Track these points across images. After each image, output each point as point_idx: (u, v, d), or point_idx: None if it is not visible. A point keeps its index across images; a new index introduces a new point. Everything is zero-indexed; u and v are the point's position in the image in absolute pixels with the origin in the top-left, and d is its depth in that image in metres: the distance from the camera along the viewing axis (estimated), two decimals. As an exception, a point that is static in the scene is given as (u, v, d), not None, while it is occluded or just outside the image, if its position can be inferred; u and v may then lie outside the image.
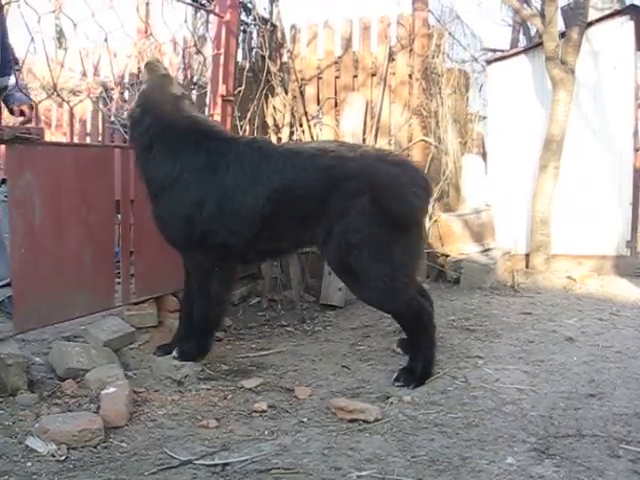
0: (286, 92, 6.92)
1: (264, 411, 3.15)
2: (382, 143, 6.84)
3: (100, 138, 7.55)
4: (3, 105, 4.14)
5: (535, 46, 7.04)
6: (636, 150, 6.84)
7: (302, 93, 7.11)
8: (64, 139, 7.87)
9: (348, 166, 3.54)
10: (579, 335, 4.35)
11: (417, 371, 3.49)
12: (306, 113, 7.00)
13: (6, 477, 2.44)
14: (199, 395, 3.37)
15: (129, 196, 4.25)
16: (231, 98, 5.20)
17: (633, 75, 6.65)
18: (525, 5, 7.34)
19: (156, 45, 5.86)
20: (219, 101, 5.03)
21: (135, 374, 3.62)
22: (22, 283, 3.47)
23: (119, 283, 4.23)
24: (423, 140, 6.81)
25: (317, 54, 7.24)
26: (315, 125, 7.07)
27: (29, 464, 2.56)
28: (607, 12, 6.83)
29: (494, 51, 7.87)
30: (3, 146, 3.42)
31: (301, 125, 6.92)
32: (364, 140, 6.81)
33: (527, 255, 6.77)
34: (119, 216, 4.28)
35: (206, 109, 5.28)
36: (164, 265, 4.29)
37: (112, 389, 3.12)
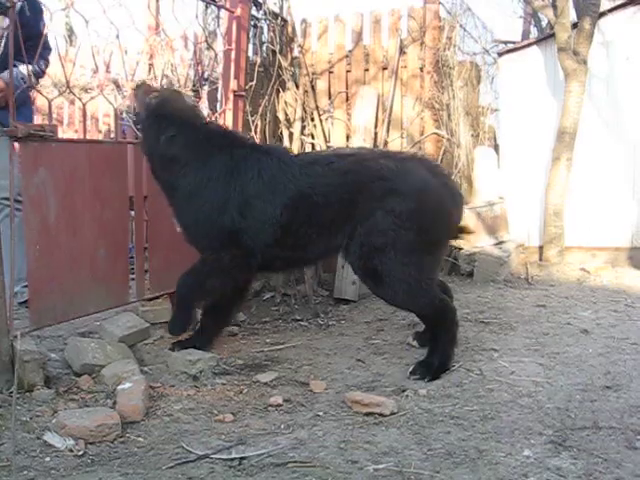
0: (297, 86, 6.93)
1: (280, 405, 3.15)
2: (394, 137, 6.84)
3: (112, 135, 7.57)
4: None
5: (547, 37, 6.99)
6: (649, 141, 6.78)
7: (313, 87, 7.12)
8: (76, 137, 7.90)
9: (372, 169, 3.58)
10: (594, 327, 4.33)
11: (434, 365, 3.49)
12: (317, 107, 7.01)
13: (25, 472, 2.46)
14: (215, 390, 3.38)
15: (142, 192, 4.26)
16: (243, 93, 5.21)
17: (646, 65, 6.60)
18: (536, -4, 7.28)
19: (167, 41, 5.87)
20: (231, 96, 5.04)
21: (150, 369, 3.63)
22: (37, 280, 3.50)
23: (133, 279, 4.25)
24: (435, 133, 6.81)
25: (328, 48, 7.24)
26: (327, 119, 7.07)
27: (47, 459, 2.58)
28: (619, 2, 6.76)
29: (505, 43, 7.80)
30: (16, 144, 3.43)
31: (312, 119, 6.93)
32: (376, 134, 6.80)
33: (541, 247, 6.74)
34: (132, 213, 4.29)
35: (218, 104, 5.29)
36: (178, 261, 4.29)
37: (128, 384, 3.13)
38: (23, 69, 3.88)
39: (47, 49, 4.33)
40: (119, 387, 3.13)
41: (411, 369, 3.50)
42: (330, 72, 7.22)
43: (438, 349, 3.55)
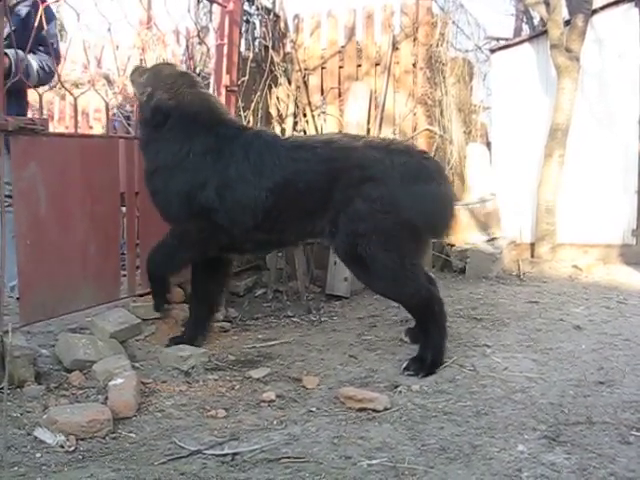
0: (289, 82, 6.92)
1: (272, 401, 3.14)
2: (386, 132, 6.83)
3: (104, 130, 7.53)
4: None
5: (539, 34, 7.00)
6: (641, 138, 6.79)
7: (306, 83, 7.11)
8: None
9: (351, 157, 3.56)
10: (587, 323, 4.33)
11: (427, 360, 3.47)
12: (310, 103, 7.00)
13: (16, 468, 2.43)
14: (207, 385, 3.36)
15: (134, 188, 4.23)
16: (235, 88, 5.19)
17: (638, 62, 6.60)
18: (529, -7, 7.28)
19: (159, 36, 5.84)
20: (223, 91, 5.02)
21: (142, 365, 3.60)
22: (28, 275, 3.46)
23: (125, 275, 4.22)
24: (428, 129, 6.80)
25: (320, 44, 7.24)
26: (319, 115, 7.06)
27: (38, 455, 2.55)
28: (612, -1, 6.77)
29: (498, 40, 7.83)
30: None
31: (305, 115, 6.92)
32: (368, 130, 6.79)
33: (532, 244, 6.75)
34: (124, 209, 4.27)
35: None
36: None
37: (119, 380, 3.11)
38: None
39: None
40: (110, 383, 3.10)
41: (405, 365, 3.48)
42: (322, 68, 7.22)
43: (429, 343, 3.53)
